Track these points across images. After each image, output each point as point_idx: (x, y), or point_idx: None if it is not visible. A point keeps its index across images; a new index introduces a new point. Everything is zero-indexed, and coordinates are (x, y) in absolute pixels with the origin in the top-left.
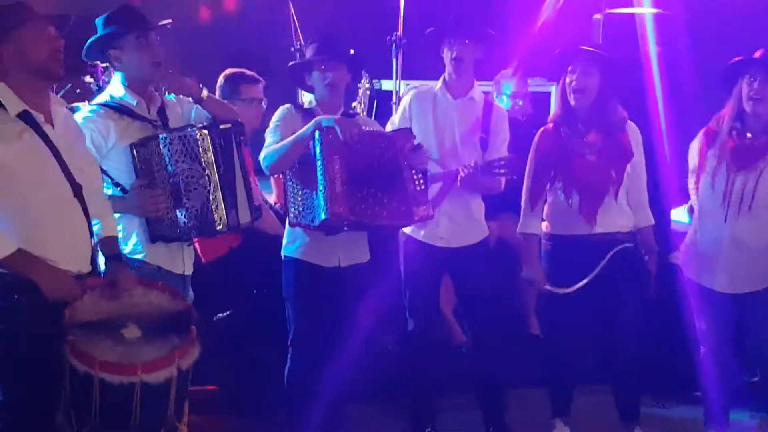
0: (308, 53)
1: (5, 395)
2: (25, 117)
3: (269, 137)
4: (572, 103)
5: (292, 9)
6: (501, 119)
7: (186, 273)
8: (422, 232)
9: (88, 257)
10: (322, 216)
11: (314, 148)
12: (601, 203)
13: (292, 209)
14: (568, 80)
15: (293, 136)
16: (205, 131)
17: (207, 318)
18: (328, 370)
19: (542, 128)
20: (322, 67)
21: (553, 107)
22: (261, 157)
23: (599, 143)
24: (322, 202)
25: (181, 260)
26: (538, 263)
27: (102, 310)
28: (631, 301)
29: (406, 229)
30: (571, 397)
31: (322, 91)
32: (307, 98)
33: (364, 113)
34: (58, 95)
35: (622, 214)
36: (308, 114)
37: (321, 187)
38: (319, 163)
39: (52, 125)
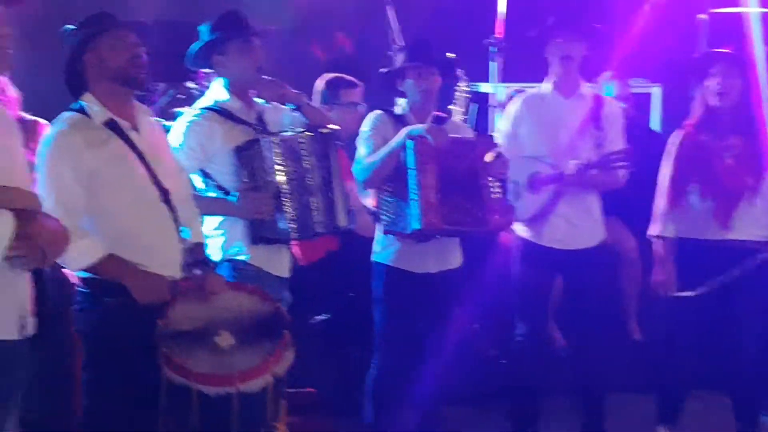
0: (399, 59)
1: (94, 402)
2: (111, 125)
3: (361, 147)
4: (714, 104)
5: (389, 11)
6: (614, 112)
7: (284, 275)
8: (537, 234)
9: (178, 262)
10: (417, 226)
11: (406, 157)
12: (736, 208)
13: (385, 217)
14: (709, 83)
15: (384, 149)
16: (308, 135)
17: (304, 320)
18: (421, 373)
19: (680, 130)
20: (415, 74)
21: (655, 109)
22: (354, 170)
23: (739, 146)
24: (416, 212)
25: (280, 262)
26: (672, 267)
27: (194, 318)
28: (760, 310)
29: (519, 232)
30: (680, 404)
31: (415, 96)
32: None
33: (463, 117)
34: (162, 101)
35: (757, 222)
36: (400, 120)
37: (414, 197)
38: (412, 172)
39: (138, 132)
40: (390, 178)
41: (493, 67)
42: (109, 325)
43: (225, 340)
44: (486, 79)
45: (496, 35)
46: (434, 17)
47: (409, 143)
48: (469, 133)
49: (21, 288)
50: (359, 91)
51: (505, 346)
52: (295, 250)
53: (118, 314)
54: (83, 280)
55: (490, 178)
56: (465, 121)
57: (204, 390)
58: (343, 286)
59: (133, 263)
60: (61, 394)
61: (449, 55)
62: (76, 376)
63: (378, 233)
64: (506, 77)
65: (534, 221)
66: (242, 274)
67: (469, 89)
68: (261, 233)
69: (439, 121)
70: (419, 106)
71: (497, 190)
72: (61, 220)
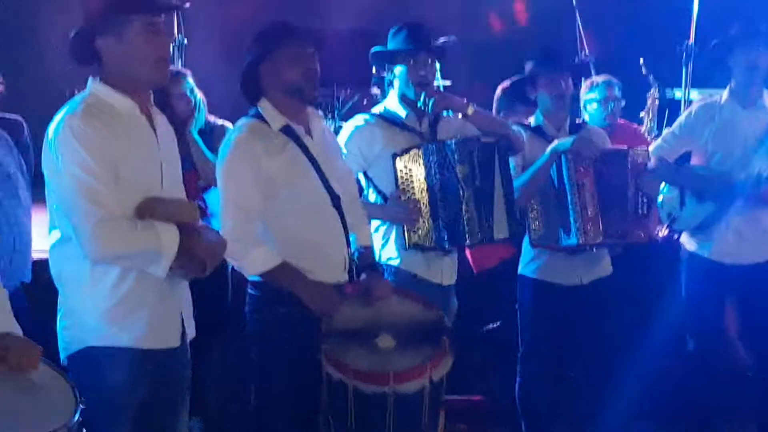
0: (528, 67)
1: (263, 400)
2: (286, 131)
3: None
4: None
5: (579, 20)
6: None
7: (444, 283)
8: (704, 248)
9: (346, 267)
10: (576, 240)
11: (558, 172)
12: None
13: (534, 230)
14: None
15: (531, 168)
16: (462, 144)
17: (477, 328)
18: (577, 386)
19: None
20: (546, 81)
21: None
22: None
23: None
24: (573, 226)
25: (439, 270)
26: None
27: (357, 319)
28: None
29: (688, 246)
30: None
31: (548, 103)
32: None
33: (653, 122)
34: (346, 107)
35: None
36: (537, 131)
37: (571, 211)
38: (566, 186)
39: (311, 137)
40: (539, 191)
41: (685, 72)
42: (277, 328)
43: (385, 342)
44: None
45: (688, 41)
46: (628, 22)
47: (563, 158)
48: (605, 141)
49: (182, 297)
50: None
51: (678, 363)
52: (470, 257)
53: (286, 318)
54: (254, 284)
55: (640, 193)
56: (654, 126)
57: (360, 387)
58: (516, 294)
59: (304, 273)
60: (236, 390)
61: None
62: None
63: (525, 246)
64: (699, 83)
65: (700, 232)
66: (397, 279)
67: (658, 95)
68: (414, 239)
69: (577, 128)
70: (552, 114)
71: (644, 207)
72: (238, 224)
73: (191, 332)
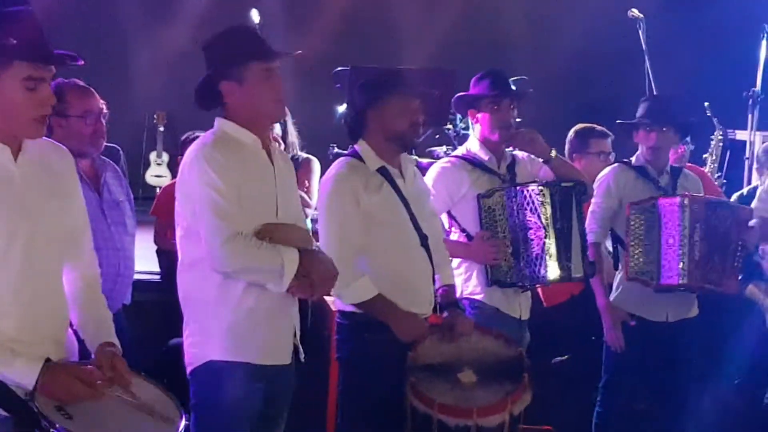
0: (639, 112)
1: (348, 424)
2: (382, 171)
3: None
4: None
5: (648, 63)
6: None
7: (522, 317)
8: None
9: (431, 302)
10: (678, 280)
11: (673, 214)
12: None
13: (633, 264)
14: None
15: None
16: (546, 188)
17: (545, 360)
18: (651, 420)
19: None
20: (647, 129)
21: None
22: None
23: None
24: (676, 266)
25: (517, 305)
26: None
27: (441, 354)
28: None
29: None
30: None
31: (646, 150)
32: None
33: (715, 165)
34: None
35: None
36: (640, 171)
37: (676, 252)
38: (680, 229)
39: (404, 179)
40: (642, 227)
41: (752, 119)
42: (365, 356)
43: (468, 377)
44: (744, 127)
45: (755, 89)
46: (695, 64)
47: (682, 201)
48: (699, 187)
49: (294, 316)
50: (609, 141)
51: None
52: (539, 292)
53: (374, 347)
54: (343, 314)
55: (740, 246)
56: (716, 168)
57: (444, 420)
58: (584, 328)
59: (396, 304)
60: (315, 414)
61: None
62: (330, 398)
63: (618, 278)
64: (763, 126)
65: None
66: (479, 313)
67: (722, 137)
68: (496, 276)
69: (676, 172)
70: (651, 160)
71: (738, 259)
72: (342, 257)
73: (300, 353)
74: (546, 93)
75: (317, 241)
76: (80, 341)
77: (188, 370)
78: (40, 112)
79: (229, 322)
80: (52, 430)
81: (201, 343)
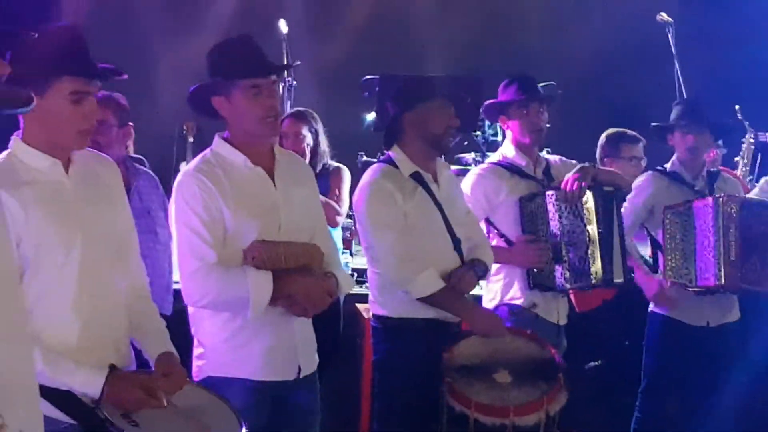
0: (673, 115)
1: (384, 426)
2: (416, 177)
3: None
4: None
5: (677, 65)
6: None
7: (560, 323)
8: None
9: None
10: (714, 282)
11: (707, 215)
12: None
13: (670, 268)
14: None
15: None
16: (589, 191)
17: (578, 365)
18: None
19: None
20: (684, 131)
21: None
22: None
23: None
24: (713, 268)
25: (555, 310)
26: None
27: (475, 355)
28: None
29: None
30: None
31: (683, 153)
32: None
33: (747, 168)
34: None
35: None
36: (674, 177)
37: (713, 254)
38: (712, 230)
39: (438, 184)
40: (677, 229)
41: None
42: (400, 358)
43: (503, 377)
44: None
45: None
46: (724, 67)
47: (715, 202)
48: (739, 189)
49: (298, 331)
50: (641, 146)
51: None
52: (572, 297)
53: (408, 348)
54: (378, 318)
55: None
56: (748, 171)
57: (481, 419)
58: (618, 333)
59: (467, 298)
60: (348, 417)
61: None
62: (363, 402)
63: None
64: None
65: None
66: (518, 318)
67: (754, 140)
68: (538, 280)
69: (713, 176)
70: (688, 163)
71: None
72: (399, 256)
73: (308, 366)
74: (573, 97)
75: (357, 247)
76: (136, 350)
77: None
78: (85, 126)
79: (223, 338)
80: None
81: (201, 357)
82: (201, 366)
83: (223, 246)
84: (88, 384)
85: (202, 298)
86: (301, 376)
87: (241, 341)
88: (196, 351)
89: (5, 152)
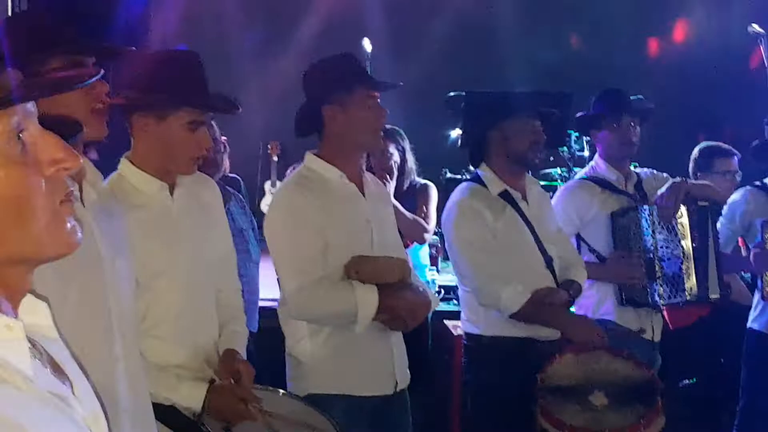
0: None
1: None
2: (504, 195)
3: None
4: None
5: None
6: None
7: (655, 339)
8: None
9: None
10: None
11: None
12: None
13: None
14: None
15: None
16: (683, 206)
17: (672, 383)
18: None
19: None
20: None
21: None
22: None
23: None
24: None
25: (650, 326)
26: None
27: (570, 376)
28: None
29: None
30: None
31: None
32: None
33: None
34: None
35: None
36: None
37: None
38: None
39: (527, 202)
40: None
41: None
42: (493, 378)
43: (599, 399)
44: None
45: None
46: None
47: None
48: None
49: (394, 346)
50: (735, 160)
51: None
52: (666, 314)
53: (502, 369)
54: (469, 336)
55: None
56: None
57: None
58: (714, 351)
59: (557, 307)
60: None
61: None
62: (453, 420)
63: (756, 299)
64: None
65: None
66: (612, 335)
67: None
68: (631, 295)
69: None
70: None
71: None
72: (482, 278)
73: (403, 381)
74: (664, 111)
75: (443, 263)
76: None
77: None
78: (197, 153)
79: (323, 355)
80: None
81: (300, 377)
82: (299, 384)
83: (324, 261)
84: (190, 398)
85: (311, 312)
86: (398, 390)
87: (342, 357)
88: (294, 370)
89: (115, 173)
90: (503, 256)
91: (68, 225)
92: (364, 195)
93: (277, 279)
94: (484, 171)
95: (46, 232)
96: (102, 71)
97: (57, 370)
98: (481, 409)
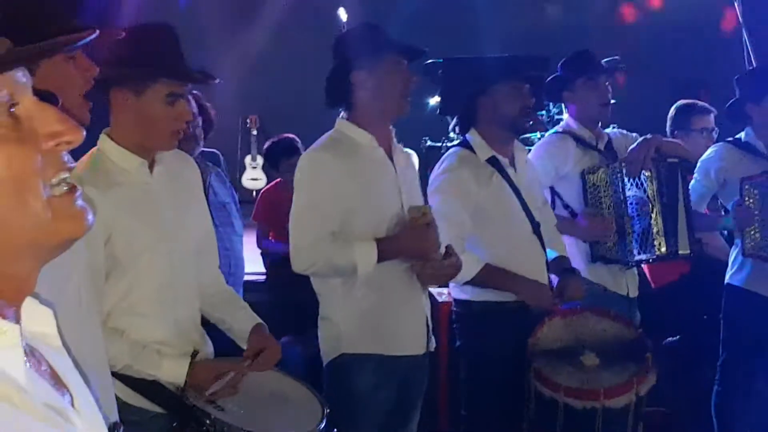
0: (743, 85)
1: (472, 411)
2: (492, 161)
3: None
4: None
5: (746, 36)
6: None
7: (630, 295)
8: None
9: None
10: None
11: None
12: None
13: (748, 240)
14: None
15: None
16: (652, 162)
17: (657, 341)
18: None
19: None
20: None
21: None
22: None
23: None
24: None
25: (624, 282)
26: None
27: (560, 339)
28: None
29: None
30: None
31: (761, 127)
32: None
33: None
34: None
35: None
36: (748, 148)
37: None
38: None
39: (515, 169)
40: (758, 202)
41: None
42: (485, 344)
43: (590, 359)
44: None
45: None
46: None
47: None
48: None
49: (426, 305)
50: (712, 117)
51: None
52: (648, 273)
53: (492, 334)
54: (459, 302)
55: None
56: None
57: (570, 403)
58: (696, 307)
59: (512, 271)
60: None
61: None
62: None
63: (734, 255)
64: None
65: None
66: (588, 292)
67: None
68: (600, 252)
69: None
70: (765, 134)
71: None
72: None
73: (432, 343)
74: (638, 72)
75: None
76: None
77: (324, 362)
78: (176, 126)
79: (357, 316)
80: (207, 420)
81: (333, 337)
82: (332, 344)
83: (348, 223)
84: (173, 373)
85: (310, 269)
86: (429, 350)
87: (374, 318)
88: (326, 331)
89: (94, 149)
90: (490, 223)
91: (78, 203)
92: (392, 161)
93: None
94: (472, 136)
95: (52, 213)
96: (96, 31)
97: (57, 381)
98: (477, 375)
